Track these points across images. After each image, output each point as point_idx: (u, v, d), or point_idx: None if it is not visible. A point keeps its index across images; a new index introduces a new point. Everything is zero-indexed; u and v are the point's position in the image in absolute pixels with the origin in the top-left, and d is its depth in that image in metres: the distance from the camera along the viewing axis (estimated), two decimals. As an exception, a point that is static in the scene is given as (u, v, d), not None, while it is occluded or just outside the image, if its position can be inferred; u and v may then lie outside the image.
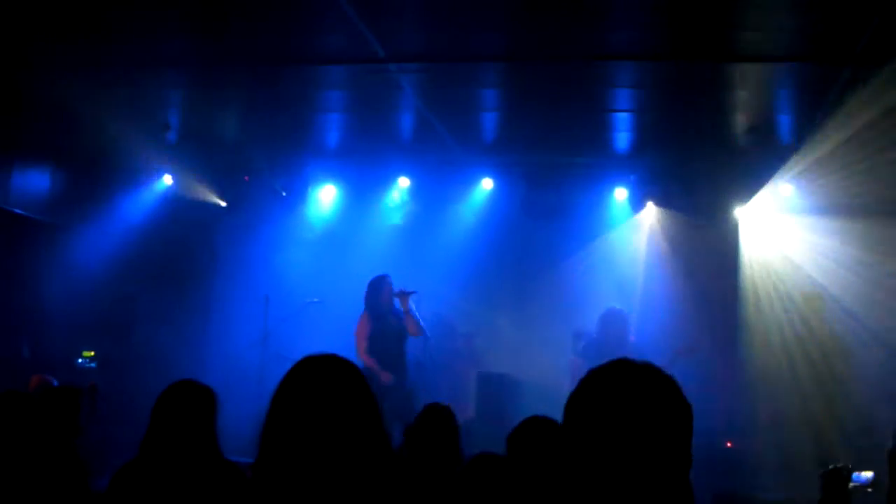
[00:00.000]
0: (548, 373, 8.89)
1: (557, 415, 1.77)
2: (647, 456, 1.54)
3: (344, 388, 1.96)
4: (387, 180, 10.01)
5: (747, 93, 7.21)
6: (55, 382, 5.64)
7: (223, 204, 10.55)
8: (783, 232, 9.09)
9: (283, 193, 10.17)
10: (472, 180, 9.93)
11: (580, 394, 1.63)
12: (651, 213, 9.71)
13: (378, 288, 8.00)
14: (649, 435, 1.54)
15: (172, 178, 10.10)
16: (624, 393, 1.58)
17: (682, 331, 8.54)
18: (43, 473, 3.23)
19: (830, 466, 3.41)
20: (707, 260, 9.48)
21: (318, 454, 1.87)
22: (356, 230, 10.17)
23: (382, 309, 7.96)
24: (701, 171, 9.12)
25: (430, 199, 10.02)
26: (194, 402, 3.28)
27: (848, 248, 8.45)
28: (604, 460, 1.54)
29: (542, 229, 9.79)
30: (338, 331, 9.19)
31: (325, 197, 10.32)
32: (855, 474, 3.35)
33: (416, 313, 8.07)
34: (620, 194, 9.71)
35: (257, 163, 9.90)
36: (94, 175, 9.31)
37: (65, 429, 4.05)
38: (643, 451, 1.54)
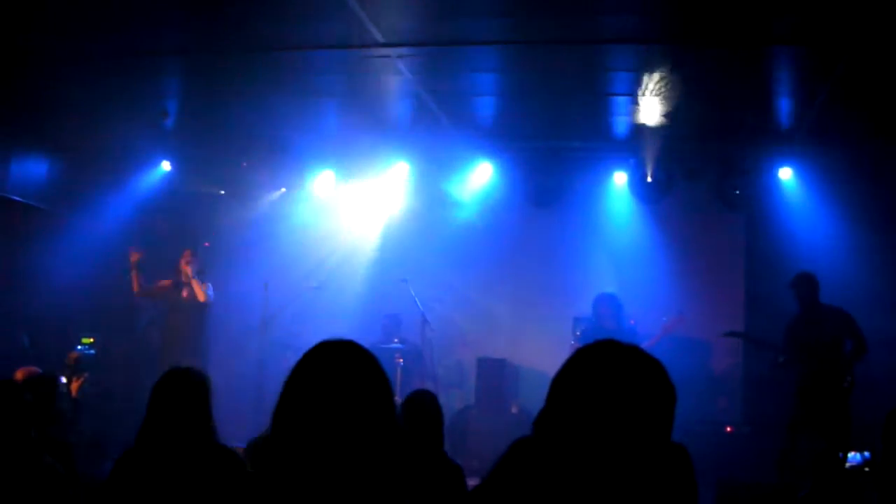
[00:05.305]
0: (547, 358, 8.89)
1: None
2: (626, 433, 1.58)
3: (360, 376, 1.95)
4: (385, 166, 9.98)
5: (747, 76, 7.18)
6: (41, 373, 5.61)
7: (221, 191, 10.53)
8: (783, 216, 9.09)
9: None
10: (471, 165, 9.90)
11: (565, 372, 1.68)
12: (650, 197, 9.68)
13: None
14: (629, 413, 1.59)
15: (171, 165, 10.09)
16: (606, 372, 1.63)
17: (680, 314, 8.53)
18: (21, 460, 3.23)
19: (826, 448, 3.43)
20: (707, 244, 9.48)
21: (330, 440, 1.86)
22: (354, 215, 10.16)
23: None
24: (699, 154, 9.11)
25: (429, 184, 10.00)
26: (189, 389, 3.31)
27: (851, 232, 8.46)
28: (585, 437, 1.58)
29: (542, 213, 9.79)
30: (337, 316, 9.21)
31: (323, 182, 10.31)
32: (851, 455, 3.36)
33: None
34: (620, 178, 9.69)
35: (255, 149, 9.86)
36: (92, 162, 9.27)
37: (41, 416, 4.06)
38: (623, 428, 1.58)
